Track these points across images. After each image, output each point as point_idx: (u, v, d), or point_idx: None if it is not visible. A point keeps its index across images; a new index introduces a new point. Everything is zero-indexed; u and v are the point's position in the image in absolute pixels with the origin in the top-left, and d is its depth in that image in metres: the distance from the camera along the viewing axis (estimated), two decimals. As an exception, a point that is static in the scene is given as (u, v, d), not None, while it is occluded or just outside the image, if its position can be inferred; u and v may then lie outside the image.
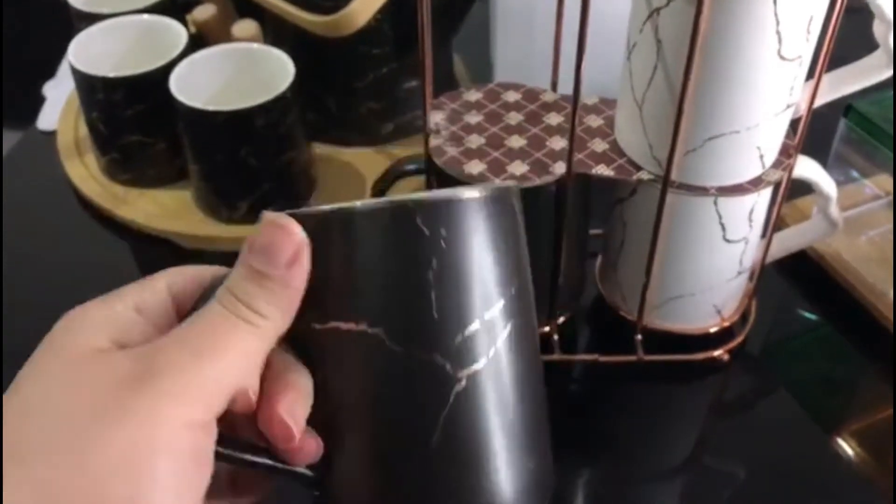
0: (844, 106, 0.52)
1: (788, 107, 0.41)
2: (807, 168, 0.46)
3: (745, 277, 0.49)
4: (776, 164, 0.44)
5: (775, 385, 0.51)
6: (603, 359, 0.50)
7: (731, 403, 0.51)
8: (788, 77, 0.40)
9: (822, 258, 0.55)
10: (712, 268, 0.47)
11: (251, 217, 0.58)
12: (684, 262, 0.46)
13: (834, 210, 0.48)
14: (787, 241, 0.51)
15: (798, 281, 0.55)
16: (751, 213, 0.45)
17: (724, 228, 0.44)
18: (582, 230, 0.49)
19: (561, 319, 0.51)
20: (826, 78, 0.42)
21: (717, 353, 0.50)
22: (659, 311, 0.49)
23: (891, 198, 0.57)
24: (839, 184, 0.55)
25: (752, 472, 0.46)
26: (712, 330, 0.50)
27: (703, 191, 0.43)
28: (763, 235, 0.48)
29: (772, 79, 0.39)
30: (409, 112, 0.63)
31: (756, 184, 0.43)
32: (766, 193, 0.45)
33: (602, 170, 0.44)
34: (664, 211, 0.44)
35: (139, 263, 0.59)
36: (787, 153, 0.44)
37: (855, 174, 0.57)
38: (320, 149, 0.62)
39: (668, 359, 0.50)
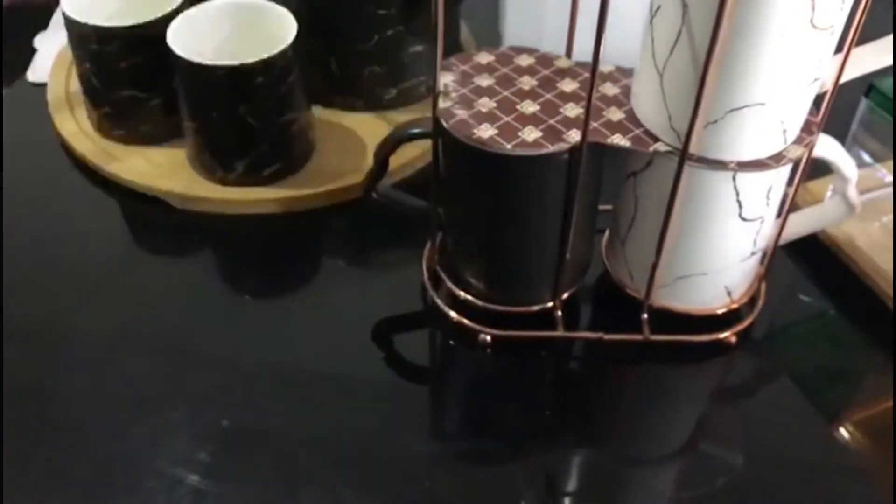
0: (866, 86, 0.50)
1: (816, 80, 0.40)
2: (828, 147, 0.44)
3: (758, 258, 0.48)
4: (798, 141, 0.42)
5: (780, 371, 0.50)
6: (608, 337, 0.48)
7: (735, 388, 0.50)
8: (819, 48, 0.38)
9: (833, 243, 0.53)
10: (726, 247, 0.45)
11: (246, 178, 0.55)
12: (697, 239, 0.45)
13: (853, 192, 0.46)
14: (803, 223, 0.50)
15: (808, 265, 0.54)
16: (769, 190, 0.43)
17: (740, 206, 0.43)
18: (593, 204, 0.47)
19: (565, 295, 0.49)
20: (855, 52, 0.40)
21: (723, 335, 0.49)
22: (667, 290, 0.48)
23: (905, 184, 0.56)
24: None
25: (751, 458, 0.45)
26: (720, 311, 0.49)
27: (721, 165, 0.41)
28: (778, 215, 0.47)
29: (802, 49, 0.37)
30: (413, 78, 0.61)
31: (777, 160, 0.41)
32: (784, 171, 0.43)
33: (618, 139, 0.42)
34: (680, 185, 0.42)
35: (129, 222, 0.57)
36: (809, 130, 0.43)
37: (868, 158, 0.55)
38: (321, 113, 0.60)
39: (674, 339, 0.49)
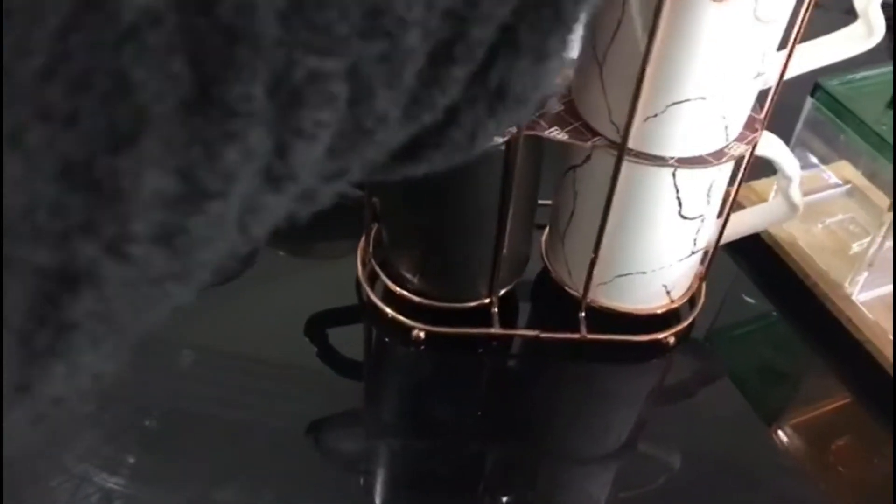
0: (811, 85, 0.49)
1: (759, 75, 0.39)
2: (771, 145, 0.43)
3: (698, 258, 0.47)
4: (740, 138, 0.41)
5: (719, 372, 0.49)
6: (544, 335, 0.47)
7: (673, 389, 0.49)
8: (762, 41, 0.37)
9: (776, 243, 0.53)
10: (666, 245, 0.44)
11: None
12: (637, 237, 0.44)
13: (795, 192, 0.46)
14: (744, 223, 0.49)
15: (750, 265, 0.53)
16: (710, 188, 0.42)
17: (680, 203, 0.42)
18: (531, 199, 0.46)
19: (503, 292, 0.48)
20: (800, 48, 0.39)
21: (662, 336, 0.48)
22: (606, 288, 0.46)
23: (849, 186, 0.56)
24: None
25: (689, 459, 0.44)
26: (659, 311, 0.48)
27: (661, 161, 0.40)
28: (719, 214, 0.46)
29: (745, 42, 0.36)
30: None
31: (718, 157, 0.40)
32: (726, 169, 0.42)
33: (555, 133, 0.41)
34: (619, 181, 0.41)
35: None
36: (752, 127, 0.42)
37: (814, 160, 0.55)
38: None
39: (612, 339, 0.47)
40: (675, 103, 0.38)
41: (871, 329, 0.48)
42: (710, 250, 0.47)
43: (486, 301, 0.47)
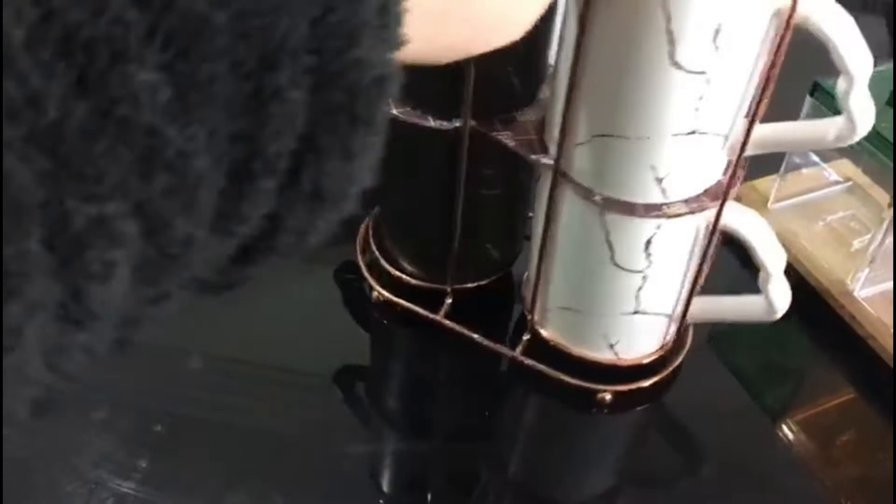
0: (811, 84, 0.50)
1: (693, 132, 0.35)
2: (743, 222, 0.39)
3: (656, 324, 0.43)
4: (691, 201, 0.38)
5: (724, 372, 0.50)
6: (482, 341, 0.46)
7: (580, 451, 0.46)
8: (689, 93, 0.33)
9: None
10: (599, 289, 0.42)
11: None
12: (570, 269, 0.42)
13: (776, 290, 0.40)
14: (713, 310, 0.45)
15: (750, 263, 0.53)
16: (648, 244, 0.39)
17: (611, 249, 0.39)
18: (504, 202, 0.46)
19: (470, 286, 0.48)
20: (765, 129, 0.37)
21: (598, 387, 0.44)
22: (550, 316, 0.45)
23: (849, 184, 0.56)
24: (799, 167, 0.54)
25: (694, 457, 0.45)
26: (603, 363, 0.45)
27: (589, 193, 0.38)
28: (688, 283, 0.42)
29: (663, 86, 0.33)
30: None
31: (649, 210, 0.37)
32: (670, 229, 0.39)
33: (505, 137, 0.40)
34: (556, 204, 0.40)
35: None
36: (712, 195, 0.38)
37: (815, 157, 0.55)
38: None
39: (541, 370, 0.45)
40: (599, 135, 0.36)
41: (873, 325, 0.48)
42: (675, 323, 0.44)
43: (448, 289, 0.48)
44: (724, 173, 0.39)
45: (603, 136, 0.36)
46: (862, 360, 0.48)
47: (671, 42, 0.32)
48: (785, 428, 0.47)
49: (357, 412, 0.46)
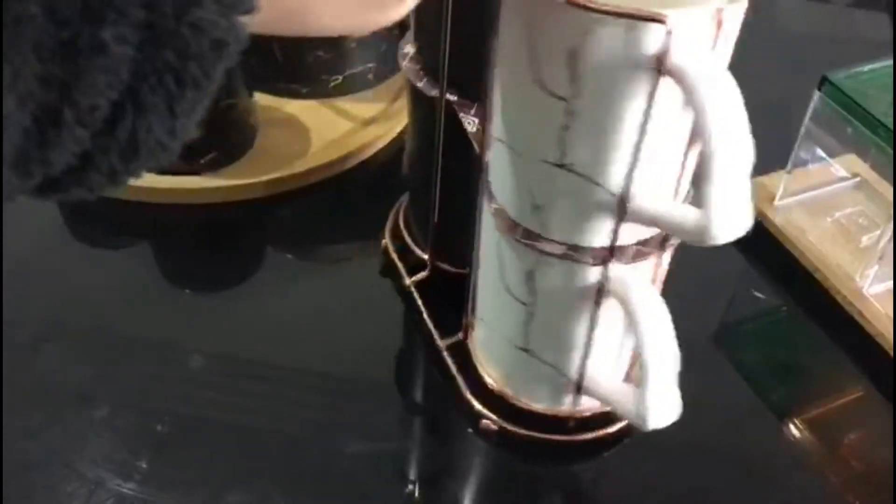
0: (818, 78, 0.49)
1: (563, 166, 0.32)
2: (635, 301, 0.33)
3: (548, 374, 0.40)
4: (574, 248, 0.34)
5: (730, 368, 0.49)
6: (440, 340, 0.45)
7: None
8: (552, 117, 0.31)
9: (785, 238, 0.53)
10: (494, 306, 0.40)
11: (181, 166, 0.53)
12: (485, 275, 0.40)
13: (653, 393, 0.34)
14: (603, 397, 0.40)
15: (758, 260, 0.53)
16: (530, 276, 0.36)
17: (501, 265, 0.38)
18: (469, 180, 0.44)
19: (445, 266, 0.47)
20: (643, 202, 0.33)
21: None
22: (475, 321, 0.44)
23: (857, 179, 0.55)
24: (807, 163, 0.53)
25: (700, 454, 0.44)
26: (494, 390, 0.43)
27: (492, 197, 0.37)
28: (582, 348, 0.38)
29: (527, 101, 0.32)
30: (359, 64, 0.59)
31: (528, 236, 0.35)
32: (551, 270, 0.36)
33: (470, 123, 0.39)
34: (480, 203, 0.39)
35: (55, 210, 0.55)
36: (598, 258, 0.34)
37: (822, 154, 0.54)
38: (264, 99, 0.58)
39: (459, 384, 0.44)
40: (497, 139, 0.35)
41: (882, 322, 0.48)
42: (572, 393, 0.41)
43: (412, 279, 0.48)
44: (633, 240, 0.35)
45: (498, 140, 0.35)
46: (870, 358, 0.48)
47: (532, 58, 0.30)
48: (792, 426, 0.46)
49: (357, 412, 0.46)
